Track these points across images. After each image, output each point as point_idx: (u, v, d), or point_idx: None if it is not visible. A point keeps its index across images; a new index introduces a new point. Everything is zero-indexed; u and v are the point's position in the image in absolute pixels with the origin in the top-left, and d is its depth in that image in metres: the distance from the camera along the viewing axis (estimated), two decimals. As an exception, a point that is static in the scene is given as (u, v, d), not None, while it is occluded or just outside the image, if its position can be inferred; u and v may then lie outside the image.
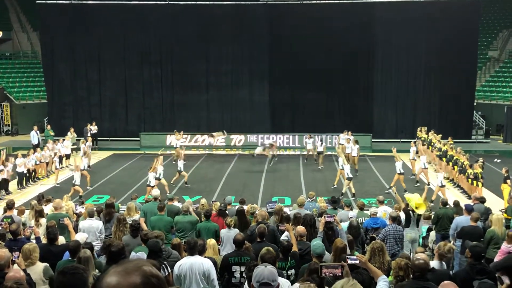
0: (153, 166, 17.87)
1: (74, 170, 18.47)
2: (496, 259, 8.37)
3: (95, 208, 11.34)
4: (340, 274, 5.49)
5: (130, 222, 9.32)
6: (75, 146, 25.07)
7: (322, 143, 23.69)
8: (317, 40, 29.10)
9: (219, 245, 9.41)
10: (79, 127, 27.46)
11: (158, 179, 18.09)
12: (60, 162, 22.94)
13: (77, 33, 30.01)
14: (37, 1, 30.37)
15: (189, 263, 6.80)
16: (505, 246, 8.49)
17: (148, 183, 17.72)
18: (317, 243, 6.92)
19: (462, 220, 10.51)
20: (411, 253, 9.64)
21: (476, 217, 10.14)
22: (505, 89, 33.55)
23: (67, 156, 23.39)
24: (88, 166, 21.91)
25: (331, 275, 5.46)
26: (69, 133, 25.67)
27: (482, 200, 12.84)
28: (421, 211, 10.59)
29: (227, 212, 11.12)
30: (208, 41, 29.98)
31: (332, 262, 6.59)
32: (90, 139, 24.34)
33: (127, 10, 30.13)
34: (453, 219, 11.15)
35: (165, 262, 6.71)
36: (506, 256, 7.76)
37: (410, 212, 11.37)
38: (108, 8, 30.08)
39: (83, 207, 11.07)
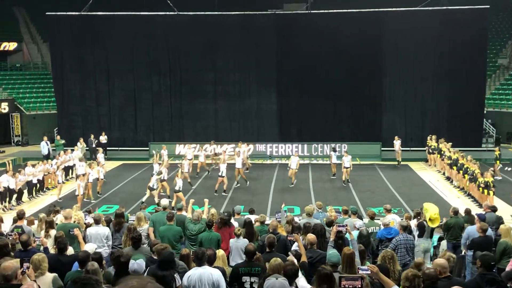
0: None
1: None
2: (508, 268, 8.25)
3: (103, 218, 11.33)
4: (360, 286, 5.43)
5: (133, 235, 9.24)
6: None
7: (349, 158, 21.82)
8: (325, 49, 29.10)
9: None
10: (88, 137, 27.61)
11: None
12: (69, 173, 22.99)
13: (86, 44, 30.29)
14: (46, 13, 30.70)
15: (198, 274, 6.73)
16: None
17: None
18: (333, 252, 6.84)
19: (474, 230, 10.36)
20: (424, 263, 9.53)
21: (484, 228, 9.97)
22: (515, 97, 33.36)
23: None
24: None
25: (351, 287, 5.39)
26: (78, 143, 25.80)
27: (493, 208, 12.68)
28: (434, 224, 10.44)
29: (231, 222, 10.93)
30: (216, 50, 30.12)
31: (342, 270, 6.53)
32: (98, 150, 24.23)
33: (135, 20, 30.37)
34: (464, 228, 11.03)
35: (176, 274, 6.66)
36: None
37: (424, 222, 11.25)
38: (117, 19, 30.33)
39: (92, 217, 11.08)
